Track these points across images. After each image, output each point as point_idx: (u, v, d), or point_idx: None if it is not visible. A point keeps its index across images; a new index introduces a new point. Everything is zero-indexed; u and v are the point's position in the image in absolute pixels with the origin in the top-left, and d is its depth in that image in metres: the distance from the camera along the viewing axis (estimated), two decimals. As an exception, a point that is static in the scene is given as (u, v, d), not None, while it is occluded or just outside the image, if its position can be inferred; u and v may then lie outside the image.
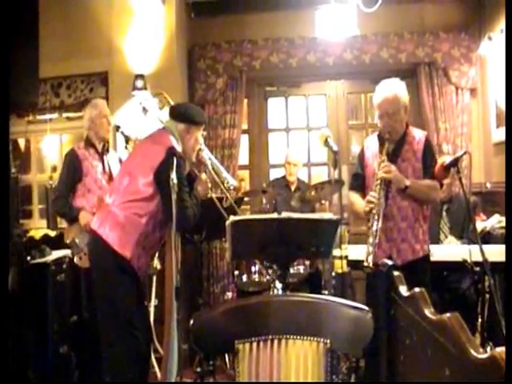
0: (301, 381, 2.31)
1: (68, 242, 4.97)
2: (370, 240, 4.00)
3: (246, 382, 2.35)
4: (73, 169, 5.04)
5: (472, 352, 1.46)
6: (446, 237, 5.63)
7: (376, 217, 4.04)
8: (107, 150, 5.21)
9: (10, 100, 4.17)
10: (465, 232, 5.50)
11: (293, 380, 2.31)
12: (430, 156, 4.31)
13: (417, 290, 1.96)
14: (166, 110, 4.44)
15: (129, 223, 3.85)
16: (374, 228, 4.02)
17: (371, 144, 4.44)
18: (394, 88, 4.25)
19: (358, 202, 4.38)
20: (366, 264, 3.94)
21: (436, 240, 5.61)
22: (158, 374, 5.20)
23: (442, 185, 4.59)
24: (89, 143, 5.15)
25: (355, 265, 4.74)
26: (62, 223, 5.50)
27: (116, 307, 3.81)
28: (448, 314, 1.62)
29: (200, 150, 4.19)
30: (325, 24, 6.09)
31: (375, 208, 4.04)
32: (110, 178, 5.09)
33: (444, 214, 5.72)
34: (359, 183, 4.44)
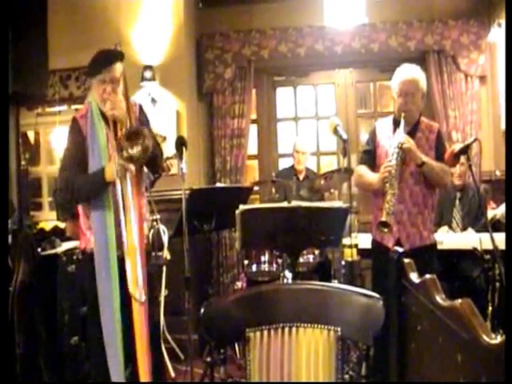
0: (312, 369, 2.31)
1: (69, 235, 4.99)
2: (389, 201, 3.99)
3: (245, 383, 2.35)
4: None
5: (485, 337, 1.45)
6: (458, 225, 5.62)
7: (394, 181, 4.02)
8: None
9: (20, 92, 4.20)
10: (477, 220, 5.48)
11: (304, 368, 2.31)
12: (442, 146, 4.35)
13: (428, 276, 1.95)
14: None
15: (79, 213, 3.88)
16: (392, 191, 4.01)
17: (384, 126, 4.44)
18: (416, 71, 4.32)
19: (367, 174, 4.37)
20: (383, 219, 3.93)
21: (449, 229, 5.62)
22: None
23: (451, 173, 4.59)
24: None
25: (365, 253, 4.77)
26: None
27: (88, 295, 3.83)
28: (460, 300, 1.61)
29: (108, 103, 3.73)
30: (333, 12, 6.07)
31: (392, 172, 4.03)
32: None
33: (457, 202, 5.71)
34: (369, 160, 4.43)
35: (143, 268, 3.68)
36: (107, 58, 3.84)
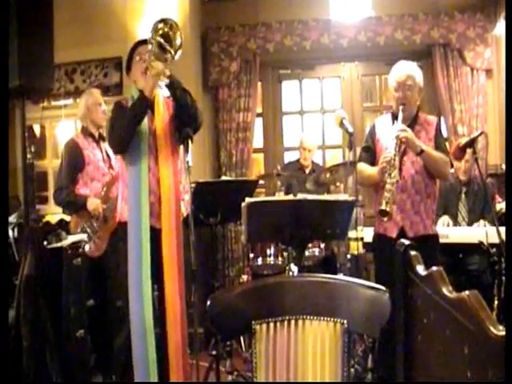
0: (318, 362, 2.30)
1: (75, 231, 4.99)
2: (388, 190, 4.03)
3: (251, 383, 2.36)
4: (74, 158, 5.04)
5: (492, 329, 1.45)
6: (464, 219, 5.61)
7: (393, 170, 4.04)
8: (103, 139, 5.20)
9: (25, 86, 4.20)
10: (485, 214, 5.47)
11: (310, 361, 2.31)
12: (441, 137, 4.40)
13: (434, 268, 1.95)
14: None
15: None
16: (391, 180, 4.03)
17: (383, 122, 4.51)
18: (411, 66, 4.39)
19: (367, 168, 4.41)
20: (383, 207, 3.98)
21: (455, 223, 5.61)
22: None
23: (452, 166, 4.60)
24: (86, 132, 5.16)
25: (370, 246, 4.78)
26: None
27: None
28: (467, 292, 1.61)
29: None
30: (339, 6, 6.07)
31: (391, 162, 4.05)
32: (110, 165, 5.11)
33: (463, 196, 5.70)
34: (369, 156, 4.47)
35: (178, 238, 3.87)
36: (140, 40, 4.09)
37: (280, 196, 5.61)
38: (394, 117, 4.33)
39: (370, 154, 4.45)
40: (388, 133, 4.28)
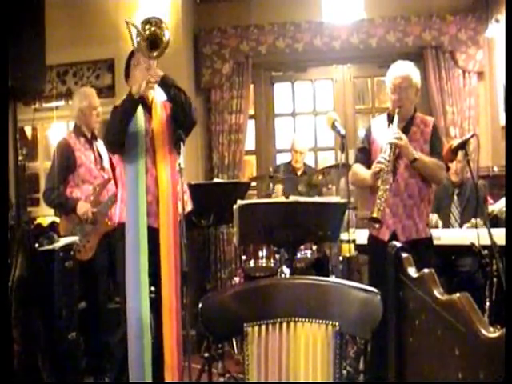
0: (310, 364, 2.30)
1: (64, 233, 4.97)
2: (380, 197, 4.04)
3: (244, 383, 2.36)
4: (66, 159, 5.03)
5: (482, 331, 1.45)
6: (457, 221, 5.62)
7: (386, 177, 4.06)
8: (95, 138, 5.21)
9: (17, 88, 4.18)
10: (478, 216, 5.48)
11: (302, 363, 2.31)
12: (437, 140, 4.39)
13: (426, 271, 1.95)
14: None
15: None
16: (383, 186, 4.04)
17: (379, 123, 4.50)
18: (407, 67, 4.38)
19: (362, 171, 4.41)
20: (374, 215, 3.99)
21: (447, 224, 5.62)
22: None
23: (448, 168, 4.60)
24: (79, 132, 5.15)
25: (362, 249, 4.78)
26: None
27: None
28: (458, 294, 1.61)
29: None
30: (331, 8, 6.08)
31: (384, 169, 4.06)
32: (102, 167, 5.10)
33: (455, 197, 5.71)
34: (365, 157, 4.47)
35: (176, 238, 3.88)
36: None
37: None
38: (391, 118, 4.33)
39: (366, 154, 4.45)
40: (384, 134, 4.29)
